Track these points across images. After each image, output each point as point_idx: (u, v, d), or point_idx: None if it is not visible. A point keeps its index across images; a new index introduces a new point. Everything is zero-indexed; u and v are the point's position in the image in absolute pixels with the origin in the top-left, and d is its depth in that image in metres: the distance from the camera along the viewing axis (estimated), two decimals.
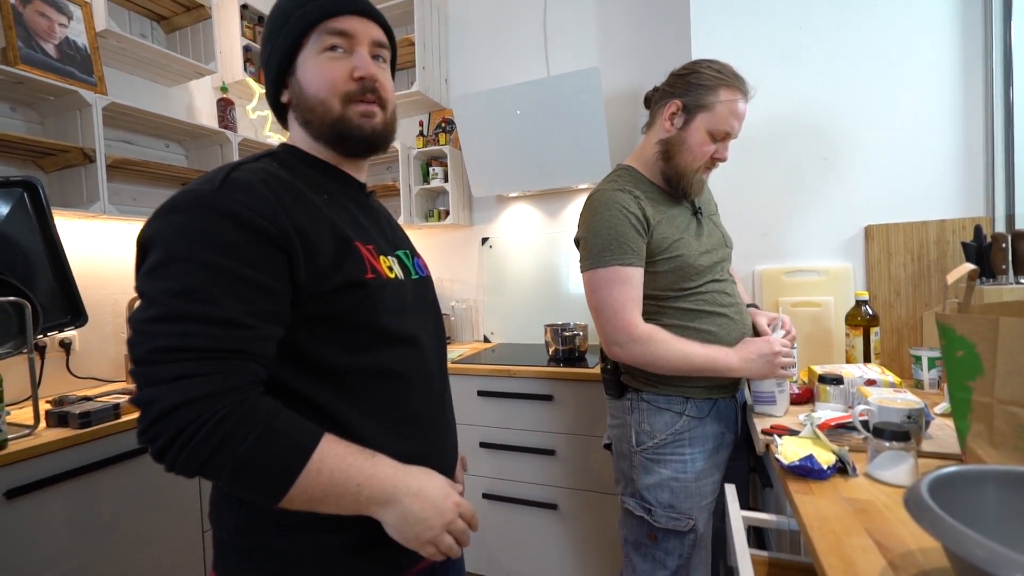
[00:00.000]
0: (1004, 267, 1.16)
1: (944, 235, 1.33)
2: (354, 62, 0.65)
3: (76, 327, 1.40)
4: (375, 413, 0.64)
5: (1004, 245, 1.15)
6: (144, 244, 0.55)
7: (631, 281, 1.01)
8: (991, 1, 1.28)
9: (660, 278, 1.04)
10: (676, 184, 1.07)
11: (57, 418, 1.20)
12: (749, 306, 1.22)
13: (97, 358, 1.68)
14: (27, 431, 1.14)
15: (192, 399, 0.49)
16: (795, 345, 1.13)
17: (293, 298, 0.58)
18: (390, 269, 0.68)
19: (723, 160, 1.07)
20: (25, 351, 1.15)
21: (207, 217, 0.53)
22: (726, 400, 1.11)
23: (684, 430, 1.05)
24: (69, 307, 1.37)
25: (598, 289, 1.02)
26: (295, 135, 0.70)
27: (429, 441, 0.70)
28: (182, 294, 0.51)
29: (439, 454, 0.72)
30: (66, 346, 1.58)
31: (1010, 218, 1.29)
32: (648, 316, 1.03)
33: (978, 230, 1.21)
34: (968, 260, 1.19)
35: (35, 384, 1.18)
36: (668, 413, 1.06)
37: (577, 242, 1.11)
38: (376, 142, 0.68)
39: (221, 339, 0.52)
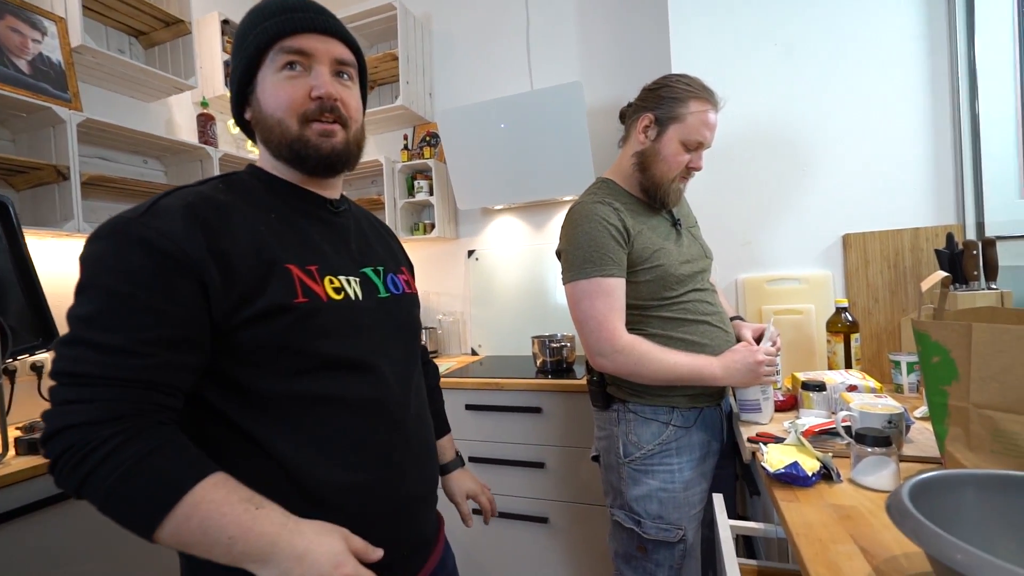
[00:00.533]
0: (976, 273, 1.19)
1: (918, 243, 1.37)
2: (311, 81, 0.63)
3: (47, 351, 1.36)
4: (314, 442, 0.60)
5: (975, 252, 1.18)
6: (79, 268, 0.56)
7: (613, 292, 1.01)
8: (955, 20, 1.33)
9: (642, 287, 1.05)
10: (654, 194, 1.09)
11: (27, 445, 1.16)
12: (734, 318, 1.24)
13: None
14: None
15: (72, 424, 0.50)
16: (779, 353, 1.15)
17: (216, 325, 0.57)
18: (337, 291, 0.64)
19: (698, 169, 1.09)
20: None
21: (119, 244, 0.54)
22: (711, 409, 1.11)
23: (671, 440, 1.05)
24: (41, 329, 1.33)
25: (580, 301, 1.03)
26: (260, 153, 0.70)
27: (381, 470, 0.65)
28: (85, 320, 0.52)
29: (393, 484, 0.66)
30: (37, 369, 1.53)
31: (980, 226, 1.33)
32: (631, 326, 1.04)
33: (950, 238, 1.25)
34: (941, 267, 1.23)
35: (3, 410, 1.13)
36: (654, 423, 1.06)
37: (559, 255, 1.12)
38: (336, 161, 0.67)
39: (109, 367, 0.51)
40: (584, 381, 1.59)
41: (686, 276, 1.08)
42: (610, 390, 1.11)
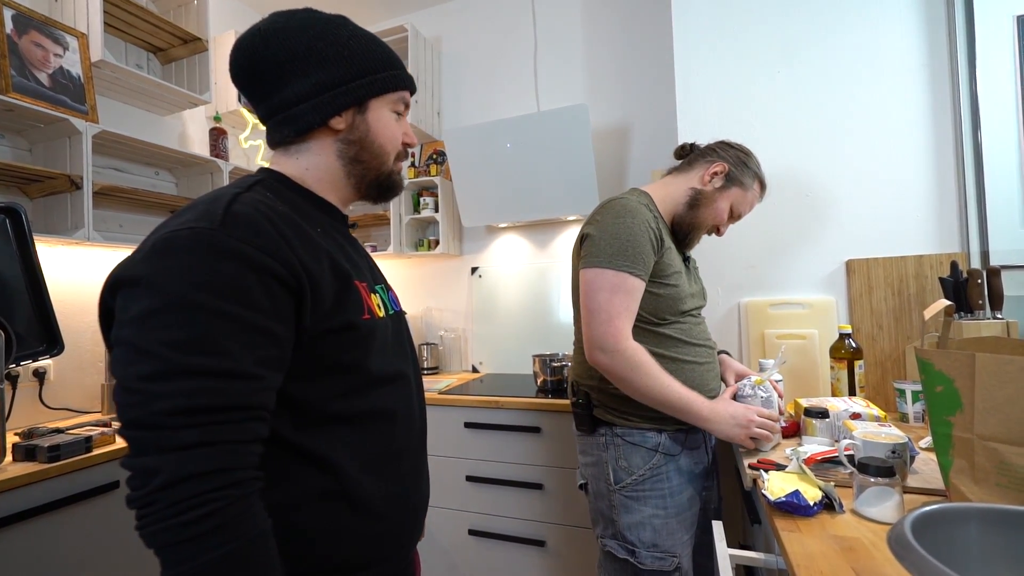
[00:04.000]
0: (980, 302, 1.18)
1: (922, 270, 1.37)
2: (404, 128, 0.71)
3: (51, 356, 1.37)
4: (362, 455, 0.61)
5: (980, 281, 1.18)
6: (129, 285, 0.49)
7: (633, 293, 1.00)
8: (956, 50, 1.35)
9: (655, 301, 1.05)
10: (685, 232, 1.13)
11: (24, 451, 1.16)
12: (720, 352, 1.26)
13: (72, 388, 1.63)
14: None
15: (197, 473, 0.45)
16: (783, 414, 1.13)
17: (299, 342, 0.55)
18: (379, 307, 0.67)
19: (720, 235, 1.18)
20: None
21: (208, 257, 0.49)
22: (697, 434, 1.10)
23: (661, 464, 1.04)
24: (46, 335, 1.34)
25: (599, 291, 0.99)
26: (315, 162, 0.66)
27: (411, 478, 0.69)
28: (185, 345, 0.46)
29: (417, 491, 0.71)
30: (40, 375, 1.54)
31: (984, 254, 1.32)
32: (636, 338, 1.03)
33: (954, 266, 1.24)
34: (946, 295, 1.22)
35: (3, 416, 1.14)
36: (643, 449, 1.04)
37: (583, 238, 1.06)
38: (398, 193, 0.74)
39: (230, 394, 0.47)
40: None
41: (692, 308, 1.10)
42: (597, 413, 1.08)
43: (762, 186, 1.16)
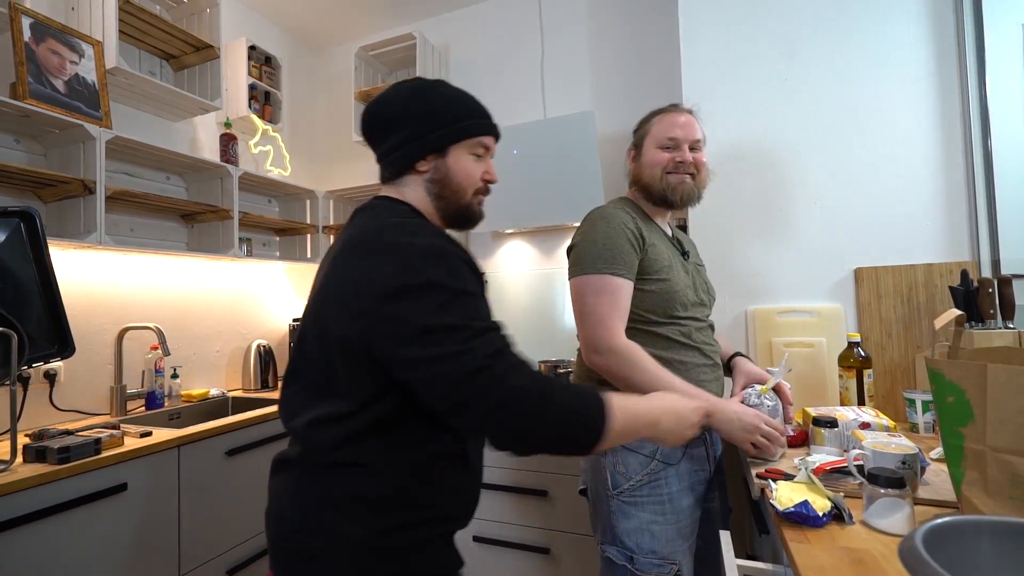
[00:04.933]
0: (992, 312, 1.17)
1: (932, 278, 1.36)
2: (487, 168, 0.84)
3: (62, 358, 1.38)
4: (475, 446, 0.79)
5: (991, 290, 1.17)
6: (418, 288, 0.67)
7: (619, 293, 1.02)
8: (966, 57, 1.35)
9: (647, 298, 1.05)
10: (657, 197, 1.14)
11: (35, 453, 1.17)
12: (736, 355, 1.23)
13: (82, 390, 1.65)
14: (2, 466, 1.10)
15: (524, 367, 0.68)
16: (790, 422, 1.12)
17: None
18: None
19: (688, 162, 1.12)
20: (8, 383, 1.13)
21: (455, 263, 0.70)
22: (698, 436, 1.07)
23: (659, 470, 1.02)
24: (57, 337, 1.36)
25: (585, 296, 1.03)
26: (413, 195, 0.81)
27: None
28: (472, 317, 0.69)
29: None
30: (50, 377, 1.55)
31: (995, 263, 1.31)
32: (630, 336, 1.03)
33: (964, 275, 1.23)
34: (956, 304, 1.21)
35: (14, 417, 1.15)
36: (640, 454, 1.03)
37: (570, 251, 1.12)
38: (476, 223, 0.87)
39: (507, 339, 0.70)
40: None
41: (691, 303, 1.09)
42: None
43: (663, 110, 1.17)
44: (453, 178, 0.80)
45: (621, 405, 0.70)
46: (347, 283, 0.69)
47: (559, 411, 0.65)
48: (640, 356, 0.99)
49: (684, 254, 1.18)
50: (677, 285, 1.07)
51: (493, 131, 0.84)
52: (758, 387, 1.10)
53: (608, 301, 1.01)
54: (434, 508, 0.73)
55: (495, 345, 0.65)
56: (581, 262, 1.05)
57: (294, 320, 2.33)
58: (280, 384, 0.84)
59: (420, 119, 0.79)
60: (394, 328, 0.64)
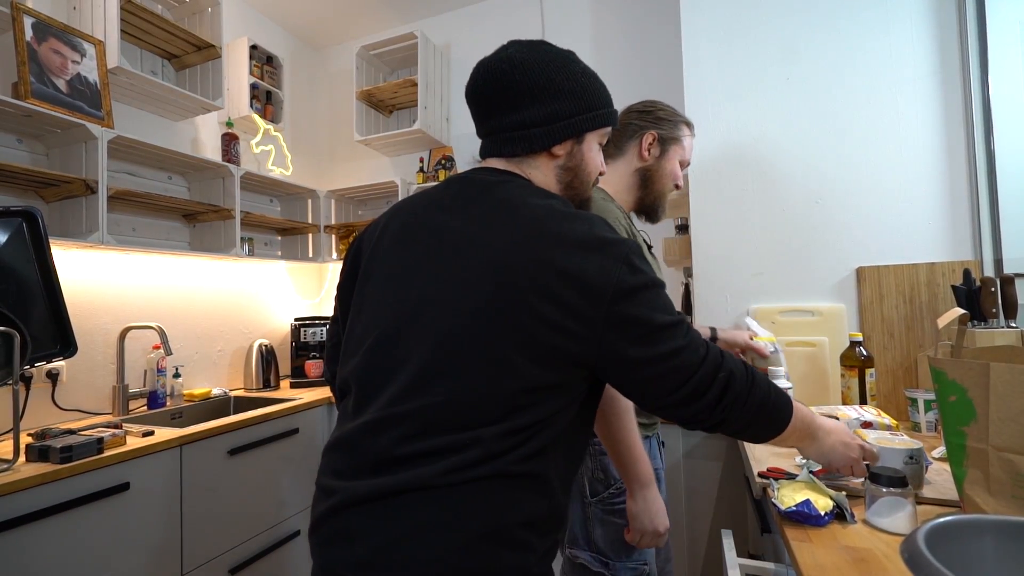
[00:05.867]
0: (994, 311, 1.17)
1: (934, 278, 1.35)
2: (602, 160, 0.78)
3: (64, 358, 1.39)
4: None
5: (993, 289, 1.16)
6: (647, 287, 0.63)
7: None
8: (968, 56, 1.34)
9: None
10: (653, 207, 1.14)
11: (37, 452, 1.17)
12: (713, 329, 1.30)
13: (84, 390, 1.65)
14: (5, 466, 1.11)
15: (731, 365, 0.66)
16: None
17: None
18: None
19: (679, 189, 1.16)
20: (10, 382, 1.13)
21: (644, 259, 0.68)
22: (652, 439, 1.11)
23: None
24: (59, 337, 1.36)
25: None
26: (541, 179, 0.73)
27: None
28: (676, 313, 0.67)
29: None
30: (53, 377, 1.56)
31: (998, 262, 1.31)
32: None
33: (967, 274, 1.23)
34: (958, 303, 1.21)
35: (17, 416, 1.15)
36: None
37: None
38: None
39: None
40: None
41: None
42: None
43: (689, 125, 1.15)
44: (585, 167, 0.74)
45: (798, 405, 0.72)
46: (565, 280, 0.58)
47: (762, 396, 0.66)
48: None
49: (649, 248, 1.19)
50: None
51: (617, 122, 0.78)
52: (764, 333, 1.17)
53: None
54: (566, 519, 0.72)
55: (696, 332, 0.65)
56: None
57: (296, 320, 2.33)
58: (355, 373, 0.66)
59: (570, 96, 0.71)
60: (627, 330, 0.59)
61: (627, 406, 0.91)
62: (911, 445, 0.82)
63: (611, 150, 1.15)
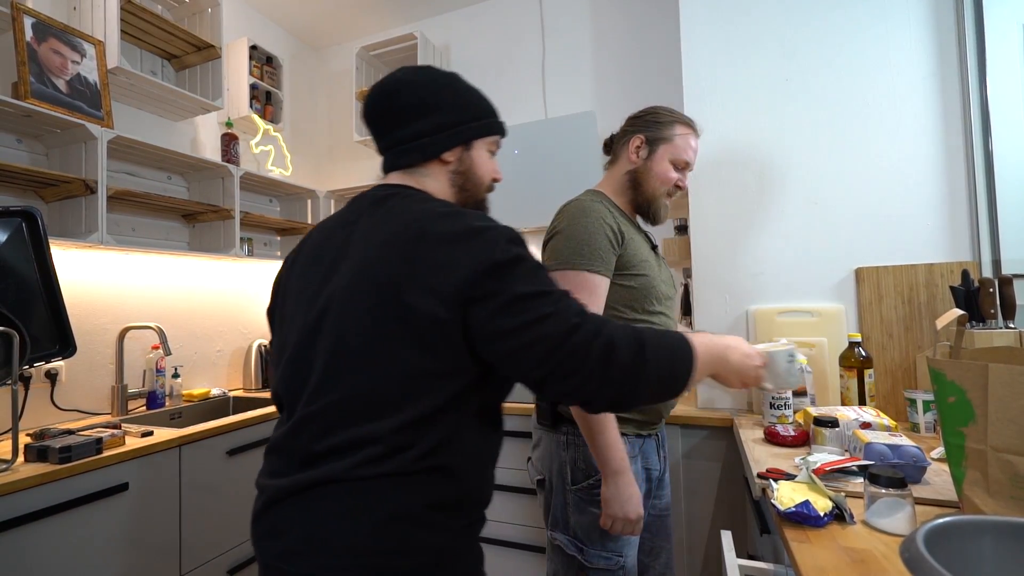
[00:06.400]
0: (993, 311, 1.17)
1: (933, 278, 1.36)
2: (495, 166, 0.85)
3: (63, 358, 1.38)
4: None
5: (992, 290, 1.17)
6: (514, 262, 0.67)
7: (596, 290, 1.01)
8: (966, 57, 1.35)
9: (626, 293, 1.06)
10: (646, 209, 1.14)
11: (36, 452, 1.17)
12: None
13: (83, 390, 1.65)
14: (4, 466, 1.10)
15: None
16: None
17: None
18: None
19: (683, 188, 1.16)
20: (9, 382, 1.13)
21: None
22: (651, 439, 1.13)
23: None
24: (59, 337, 1.36)
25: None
26: (435, 185, 0.80)
27: None
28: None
29: None
30: (52, 377, 1.55)
31: (996, 263, 1.31)
32: None
33: (965, 275, 1.23)
34: (957, 304, 1.21)
35: (16, 416, 1.15)
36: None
37: (546, 243, 1.10)
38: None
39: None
40: None
41: (664, 296, 1.12)
42: (561, 409, 1.08)
43: (686, 123, 1.15)
44: (476, 171, 0.81)
45: (698, 339, 0.70)
46: (434, 270, 0.63)
47: (657, 359, 0.63)
48: None
49: (654, 247, 1.20)
50: (654, 280, 1.09)
51: (505, 131, 0.86)
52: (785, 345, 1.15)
53: (585, 299, 0.99)
54: (485, 505, 0.72)
55: (577, 305, 0.64)
56: (558, 256, 1.03)
57: None
58: (280, 387, 0.73)
59: (454, 108, 0.79)
60: (489, 303, 0.62)
61: None
62: (787, 347, 0.80)
63: (612, 157, 1.20)
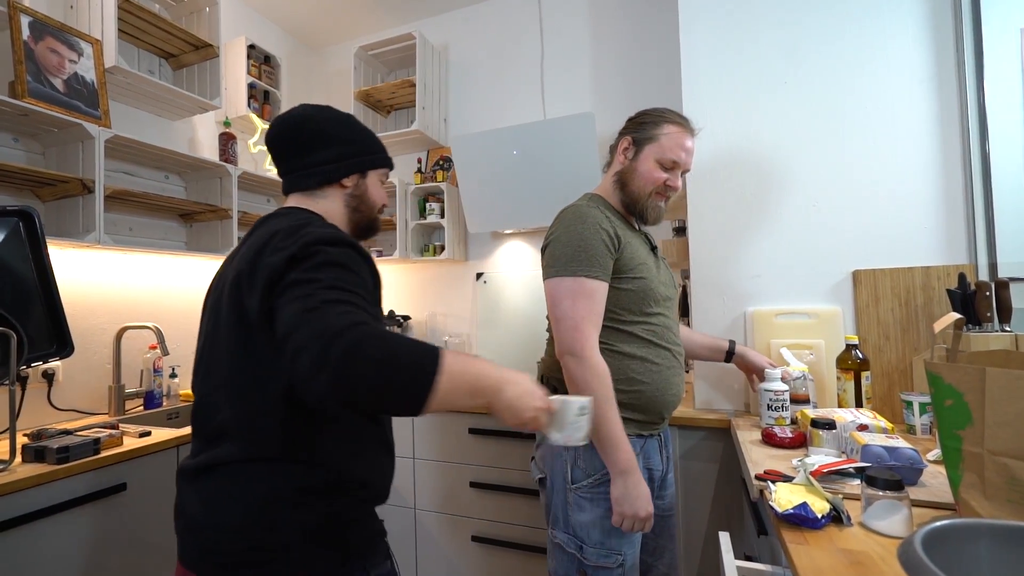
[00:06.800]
0: (989, 315, 1.18)
1: (930, 281, 1.36)
2: (384, 194, 0.98)
3: (61, 358, 1.38)
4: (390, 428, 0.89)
5: (988, 293, 1.17)
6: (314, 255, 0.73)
7: (594, 296, 1.02)
8: (964, 61, 1.36)
9: (623, 296, 1.07)
10: (633, 209, 1.15)
11: (34, 453, 1.16)
12: (732, 343, 1.37)
13: (80, 389, 1.65)
14: (1, 466, 1.10)
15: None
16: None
17: None
18: None
19: (675, 189, 1.15)
20: (7, 383, 1.13)
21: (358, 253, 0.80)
22: (653, 439, 1.14)
23: None
24: (56, 337, 1.35)
25: (561, 300, 1.03)
26: (329, 205, 0.91)
27: None
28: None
29: None
30: (49, 376, 1.55)
31: (992, 266, 1.32)
32: (604, 335, 1.05)
33: (962, 278, 1.24)
34: (953, 307, 1.22)
35: (13, 417, 1.14)
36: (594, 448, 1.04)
37: (544, 249, 1.11)
38: (377, 232, 1.01)
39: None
40: None
41: (663, 298, 1.12)
42: None
43: (676, 123, 1.13)
44: (370, 196, 0.95)
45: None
46: (259, 269, 0.72)
47: (389, 347, 0.61)
48: (606, 374, 1.01)
49: (653, 249, 1.20)
50: (652, 283, 1.09)
51: (392, 165, 1.01)
52: (795, 367, 1.25)
53: (584, 305, 1.01)
54: (367, 488, 0.79)
55: (346, 304, 0.64)
56: (556, 263, 1.05)
57: None
58: (193, 387, 0.85)
59: (353, 141, 0.92)
60: (282, 286, 0.68)
61: (605, 395, 0.99)
62: (583, 399, 0.78)
63: (609, 160, 1.22)
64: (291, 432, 0.73)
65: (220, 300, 0.79)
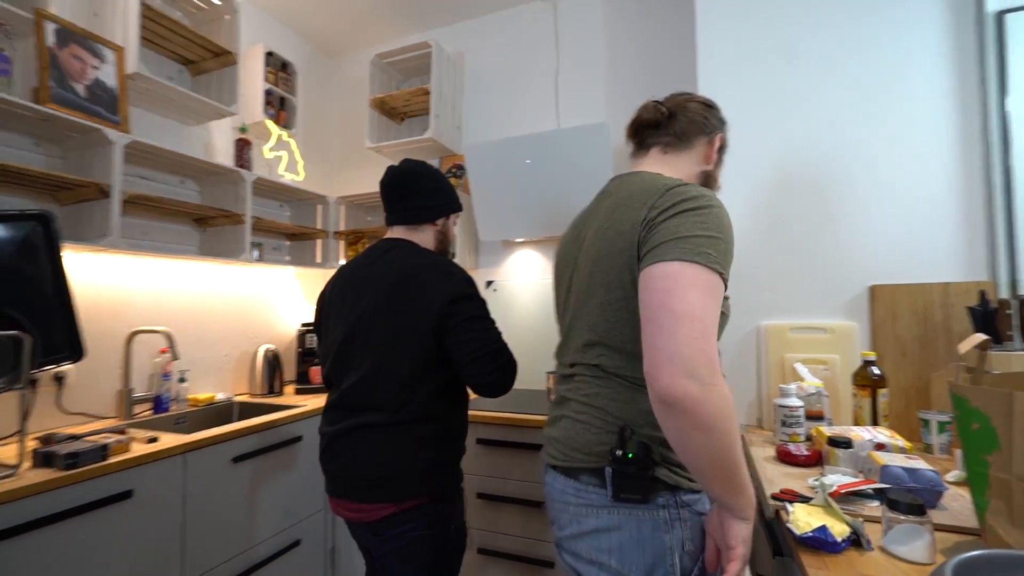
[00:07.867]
0: (1010, 333, 1.15)
1: (948, 298, 1.34)
2: (455, 231, 1.38)
3: (73, 362, 1.39)
4: None
5: (1009, 311, 1.15)
6: (467, 298, 1.17)
7: (719, 305, 0.71)
8: (987, 75, 1.34)
9: (721, 323, 0.79)
10: None
11: (43, 458, 1.16)
12: None
13: (90, 393, 1.65)
14: (10, 472, 1.10)
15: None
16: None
17: None
18: None
19: None
20: (19, 386, 1.13)
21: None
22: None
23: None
24: (68, 341, 1.36)
25: (693, 287, 0.68)
26: (425, 238, 1.27)
27: None
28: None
29: None
30: (59, 380, 1.56)
31: (1013, 284, 1.29)
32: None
33: (983, 295, 1.21)
34: (974, 325, 1.19)
35: (24, 421, 1.15)
36: (702, 518, 0.78)
37: (650, 224, 0.76)
38: None
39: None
40: None
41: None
42: (661, 473, 0.75)
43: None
44: (449, 233, 1.32)
45: None
46: (424, 295, 1.11)
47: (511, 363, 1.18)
48: (732, 408, 0.66)
49: None
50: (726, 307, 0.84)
51: (462, 209, 1.35)
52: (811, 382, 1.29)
53: (714, 311, 0.68)
54: (459, 440, 1.20)
55: (496, 329, 1.16)
56: (693, 241, 0.70)
57: (304, 325, 2.34)
58: (331, 371, 1.20)
59: (444, 193, 1.29)
60: (456, 316, 1.10)
61: (736, 439, 0.67)
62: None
63: (677, 143, 0.95)
64: (425, 406, 1.10)
65: (370, 317, 1.13)
